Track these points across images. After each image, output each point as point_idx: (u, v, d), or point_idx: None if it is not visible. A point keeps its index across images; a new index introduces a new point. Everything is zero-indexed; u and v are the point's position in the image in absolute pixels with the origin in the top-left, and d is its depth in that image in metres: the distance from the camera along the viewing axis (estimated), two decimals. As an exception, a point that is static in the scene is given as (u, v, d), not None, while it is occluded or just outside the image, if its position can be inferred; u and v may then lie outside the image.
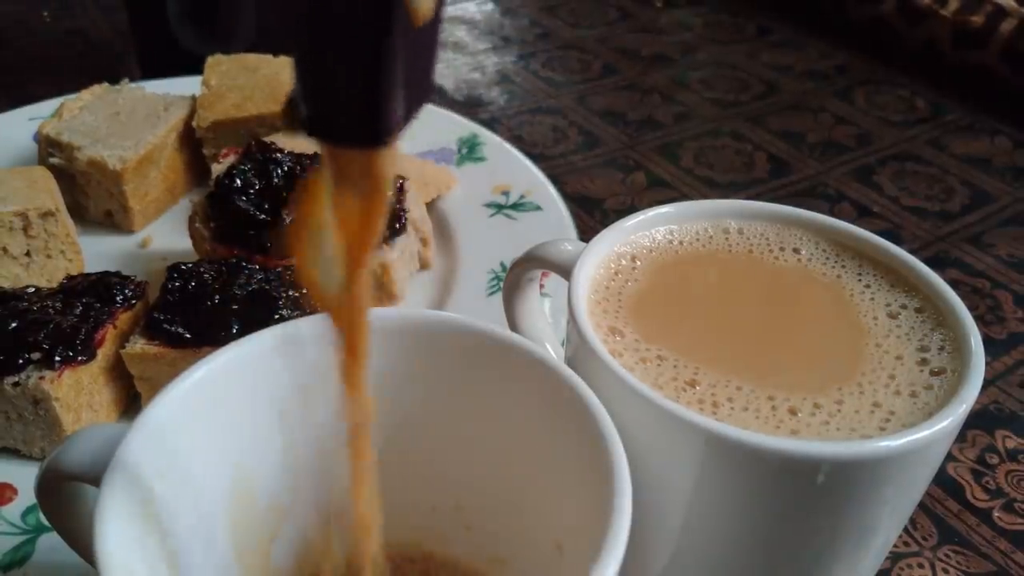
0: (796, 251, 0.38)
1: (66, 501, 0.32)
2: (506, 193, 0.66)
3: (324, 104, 0.21)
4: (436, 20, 0.21)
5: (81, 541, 0.33)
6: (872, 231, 0.38)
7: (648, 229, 0.39)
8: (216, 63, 0.73)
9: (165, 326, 0.47)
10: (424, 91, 0.22)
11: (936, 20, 0.94)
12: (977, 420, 0.53)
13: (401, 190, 0.57)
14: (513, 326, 0.44)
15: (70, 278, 0.51)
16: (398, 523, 0.33)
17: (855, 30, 1.05)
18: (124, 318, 0.49)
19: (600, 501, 0.27)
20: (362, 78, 0.20)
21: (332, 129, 0.22)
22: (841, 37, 1.06)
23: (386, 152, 0.22)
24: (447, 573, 0.37)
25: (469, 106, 0.89)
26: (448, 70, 0.97)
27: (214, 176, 0.58)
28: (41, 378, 0.44)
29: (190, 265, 0.50)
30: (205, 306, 0.48)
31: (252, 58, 0.73)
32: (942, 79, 0.96)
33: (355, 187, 0.23)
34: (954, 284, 0.35)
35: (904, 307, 0.35)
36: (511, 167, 0.69)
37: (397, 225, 0.56)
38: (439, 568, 0.37)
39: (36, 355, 0.45)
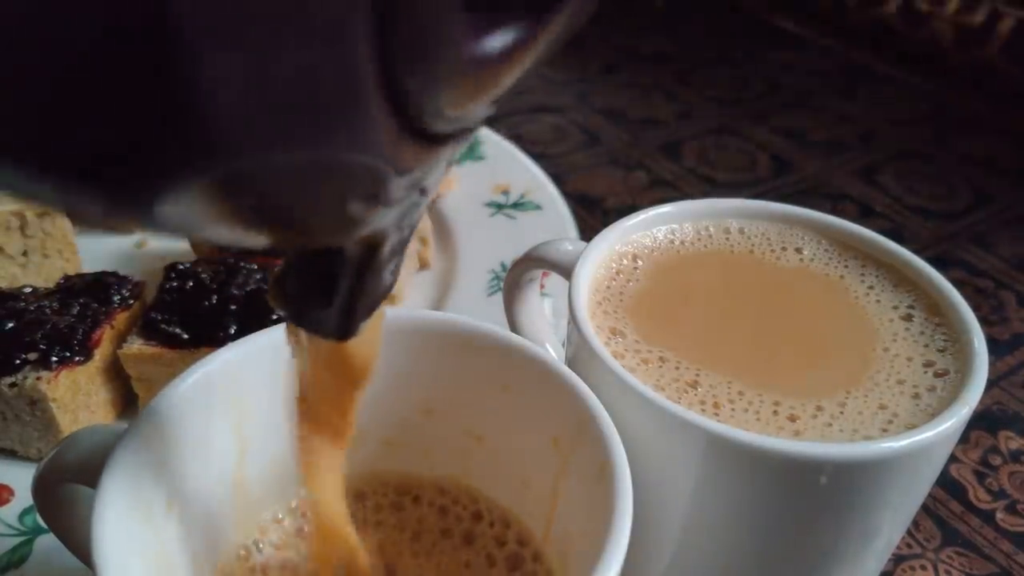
0: (798, 251, 0.38)
1: (63, 503, 0.31)
2: (506, 192, 0.66)
3: (300, 300, 0.23)
4: (402, 246, 0.23)
5: (78, 543, 0.33)
6: (875, 230, 0.38)
7: (649, 228, 0.39)
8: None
9: (162, 326, 0.47)
10: (388, 290, 0.24)
11: (937, 20, 0.94)
12: (980, 421, 0.53)
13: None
14: (513, 326, 0.43)
15: (67, 278, 0.50)
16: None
17: (857, 27, 1.04)
18: (121, 318, 0.48)
19: (601, 502, 0.27)
20: (332, 297, 0.23)
21: (307, 322, 0.24)
22: (843, 35, 1.05)
23: (360, 341, 0.24)
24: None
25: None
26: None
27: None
28: (38, 379, 0.44)
29: (188, 265, 0.50)
30: (203, 306, 0.47)
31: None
32: (946, 77, 0.95)
33: (332, 370, 0.25)
34: (957, 284, 0.35)
35: (907, 307, 0.35)
36: (511, 166, 0.69)
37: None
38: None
39: (33, 355, 0.44)
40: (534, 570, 0.32)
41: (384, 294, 0.24)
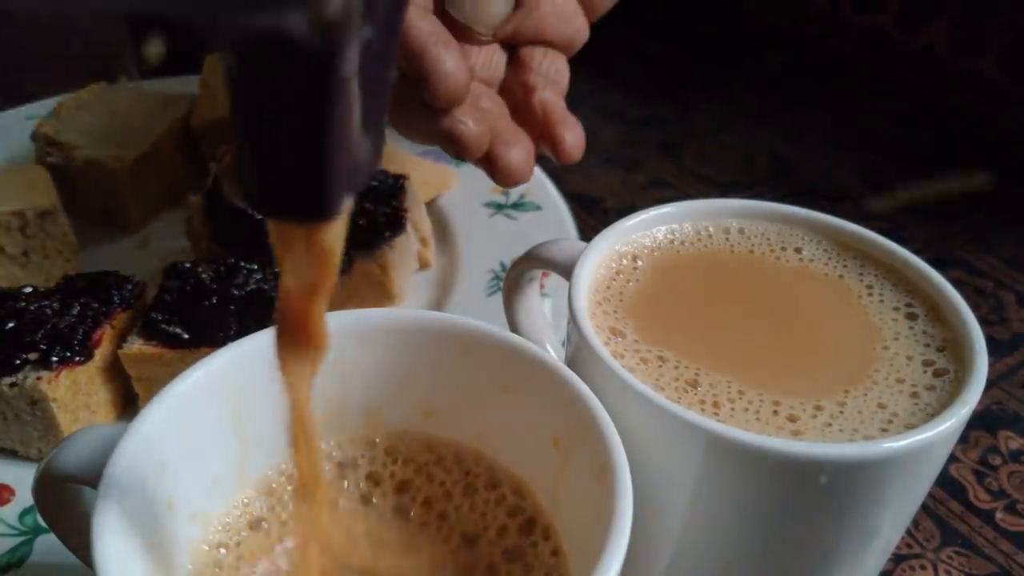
0: (798, 251, 0.38)
1: (63, 503, 0.31)
2: (506, 192, 0.66)
3: (263, 177, 0.20)
4: (383, 70, 0.20)
5: (78, 543, 0.33)
6: (875, 231, 0.38)
7: (649, 228, 0.39)
8: (214, 62, 0.72)
9: (163, 326, 0.47)
10: (375, 155, 0.21)
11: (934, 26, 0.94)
12: (979, 421, 0.53)
13: (401, 190, 0.57)
14: (513, 326, 0.43)
15: (67, 278, 0.50)
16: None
17: (855, 30, 1.04)
18: (122, 318, 0.48)
19: (602, 502, 0.27)
20: (299, 152, 0.19)
21: (272, 203, 0.21)
22: (843, 36, 1.05)
23: (331, 226, 0.21)
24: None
25: (469, 105, 0.89)
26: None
27: (212, 175, 0.57)
28: (38, 378, 0.44)
29: (188, 265, 0.50)
30: (203, 306, 0.47)
31: (251, 57, 0.72)
32: (942, 77, 0.95)
33: (302, 259, 0.22)
34: (957, 284, 0.35)
35: (906, 307, 0.35)
36: (511, 166, 0.69)
37: (397, 225, 0.55)
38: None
39: (33, 355, 0.44)
40: (543, 550, 0.32)
41: (366, 159, 0.20)
